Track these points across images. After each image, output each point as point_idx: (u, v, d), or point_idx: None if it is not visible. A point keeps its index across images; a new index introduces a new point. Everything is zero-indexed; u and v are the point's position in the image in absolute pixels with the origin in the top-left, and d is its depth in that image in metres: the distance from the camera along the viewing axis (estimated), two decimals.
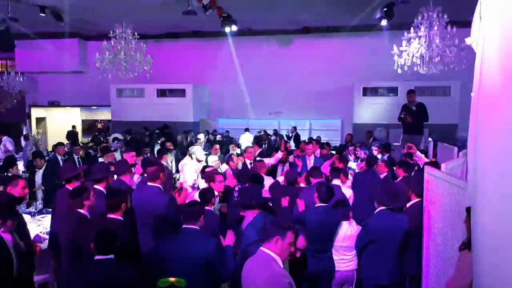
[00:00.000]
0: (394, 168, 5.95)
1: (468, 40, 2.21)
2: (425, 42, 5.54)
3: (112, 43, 6.66)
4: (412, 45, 5.77)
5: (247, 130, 13.62)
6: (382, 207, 3.82)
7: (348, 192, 5.15)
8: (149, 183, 4.08)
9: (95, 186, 4.21)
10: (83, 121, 18.73)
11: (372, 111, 12.92)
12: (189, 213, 3.21)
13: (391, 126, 11.89)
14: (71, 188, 4.39)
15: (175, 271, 2.86)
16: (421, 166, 6.05)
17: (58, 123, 17.71)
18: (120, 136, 11.83)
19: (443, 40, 5.49)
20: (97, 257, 2.76)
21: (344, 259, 3.88)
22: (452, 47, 5.44)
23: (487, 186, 1.98)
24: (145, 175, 4.65)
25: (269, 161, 6.97)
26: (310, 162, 7.17)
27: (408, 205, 4.15)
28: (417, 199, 4.08)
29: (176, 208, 3.89)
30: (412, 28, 5.78)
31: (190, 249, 3.03)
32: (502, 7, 1.99)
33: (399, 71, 5.98)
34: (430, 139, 7.23)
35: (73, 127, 16.37)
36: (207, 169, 5.34)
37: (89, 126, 18.78)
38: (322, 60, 14.22)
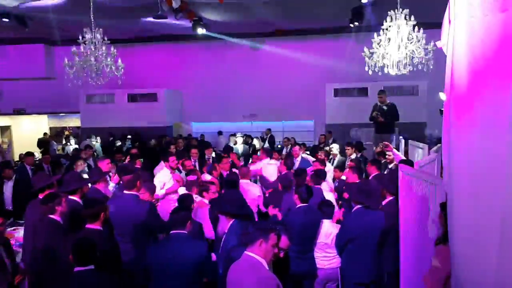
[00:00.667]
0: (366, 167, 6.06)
1: (438, 43, 2.30)
2: (394, 43, 5.71)
3: (82, 49, 6.48)
4: (381, 47, 5.93)
5: (233, 135, 13.08)
6: (359, 206, 3.91)
7: (329, 195, 5.17)
8: (126, 192, 4.01)
9: (70, 197, 4.10)
10: (50, 128, 18.16)
11: (344, 111, 13.15)
12: (177, 220, 3.22)
13: (362, 125, 12.17)
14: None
15: (167, 275, 2.88)
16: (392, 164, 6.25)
17: (25, 131, 17.11)
18: (93, 142, 11.57)
19: (411, 42, 5.68)
20: (77, 269, 2.69)
21: (327, 257, 3.95)
22: (420, 49, 5.63)
23: (462, 183, 2.07)
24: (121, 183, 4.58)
25: (255, 167, 6.94)
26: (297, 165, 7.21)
27: (383, 203, 4.25)
28: (391, 197, 4.19)
29: (156, 215, 3.85)
30: (381, 30, 5.94)
31: (183, 253, 3.06)
32: (468, 13, 2.09)
33: (370, 72, 6.14)
34: (401, 137, 7.45)
35: (45, 134, 15.83)
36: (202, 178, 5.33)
37: (57, 134, 18.22)
38: (294, 62, 14.37)
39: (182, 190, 4.94)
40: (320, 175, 5.34)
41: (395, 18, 5.76)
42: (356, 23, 11.27)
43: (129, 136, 12.98)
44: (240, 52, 14.88)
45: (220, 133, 13.89)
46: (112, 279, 2.76)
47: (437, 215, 3.04)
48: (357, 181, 4.90)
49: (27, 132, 16.83)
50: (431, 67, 5.66)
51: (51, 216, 3.51)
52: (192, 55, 15.18)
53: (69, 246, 3.02)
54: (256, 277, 2.42)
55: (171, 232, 3.21)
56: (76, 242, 2.76)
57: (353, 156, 7.79)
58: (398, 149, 6.99)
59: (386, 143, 6.45)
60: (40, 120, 17.65)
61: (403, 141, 6.77)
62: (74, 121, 17.37)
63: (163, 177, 5.59)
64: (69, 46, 14.16)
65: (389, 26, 5.80)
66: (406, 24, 5.69)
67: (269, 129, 13.40)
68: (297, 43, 14.42)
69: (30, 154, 7.78)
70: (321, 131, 13.66)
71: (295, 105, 14.38)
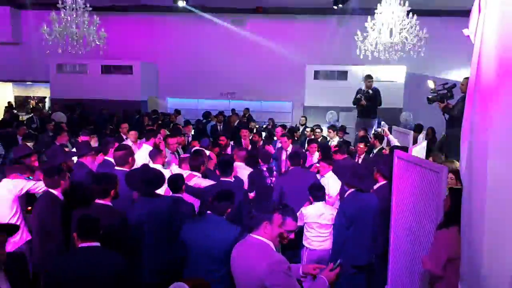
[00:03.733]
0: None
1: (466, 31, 2.28)
2: (387, 29, 5.70)
3: (62, 15, 6.08)
4: (374, 32, 5.92)
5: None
6: (352, 189, 3.94)
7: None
8: (117, 168, 3.86)
9: None
10: (15, 97, 17.23)
11: (322, 94, 13.19)
12: (217, 208, 3.16)
13: (341, 109, 12.28)
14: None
15: (199, 253, 3.03)
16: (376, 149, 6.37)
17: None
18: (62, 117, 11.04)
19: (405, 28, 5.69)
20: (81, 245, 2.57)
21: (320, 236, 3.99)
22: (413, 35, 5.66)
23: (483, 174, 2.08)
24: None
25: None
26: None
27: (375, 186, 4.31)
28: (384, 181, 4.25)
29: None
30: (375, 14, 5.91)
31: (213, 235, 3.05)
32: (501, 2, 2.07)
33: (361, 56, 6.13)
34: (383, 123, 7.57)
35: (9, 103, 14.98)
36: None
37: (20, 104, 17.30)
38: (275, 41, 14.21)
39: (175, 169, 4.80)
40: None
41: (389, 3, 5.74)
42: (340, 5, 11.22)
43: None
44: (220, 28, 14.53)
45: (178, 112, 13.03)
46: (119, 257, 2.65)
47: (440, 199, 3.08)
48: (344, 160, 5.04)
49: None
50: (422, 54, 5.71)
51: (52, 190, 3.42)
52: (170, 28, 14.70)
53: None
54: (268, 260, 2.39)
55: (208, 212, 3.20)
56: (80, 217, 2.63)
57: (336, 139, 7.86)
58: (379, 134, 7.09)
59: (384, 128, 6.56)
60: (4, 88, 16.69)
61: (386, 126, 6.87)
62: (42, 91, 16.54)
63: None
64: (38, 10, 13.69)
65: (383, 11, 5.77)
66: (400, 10, 5.69)
67: (247, 109, 13.27)
68: (279, 22, 14.23)
69: None
70: (299, 112, 13.69)
71: (274, 85, 14.29)
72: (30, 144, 6.26)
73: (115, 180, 3.32)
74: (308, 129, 9.15)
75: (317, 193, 4.20)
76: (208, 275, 2.92)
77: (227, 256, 2.74)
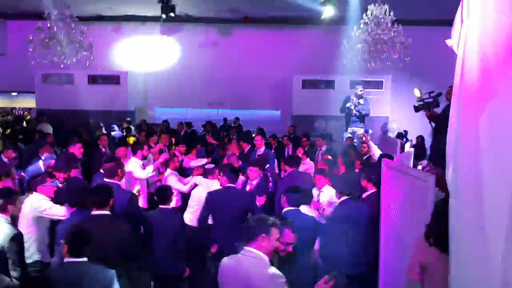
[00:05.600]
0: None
1: (448, 42, 2.32)
2: (372, 38, 5.78)
3: (49, 25, 6.03)
4: (360, 41, 6.00)
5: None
6: (344, 197, 3.95)
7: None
8: (106, 180, 3.81)
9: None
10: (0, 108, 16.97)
11: (311, 103, 13.27)
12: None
13: (329, 118, 12.36)
14: None
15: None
16: (374, 157, 6.39)
17: None
18: (48, 128, 10.87)
19: (389, 37, 5.77)
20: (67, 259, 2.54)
21: None
22: (398, 44, 5.74)
23: (468, 182, 2.11)
24: None
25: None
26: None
27: (364, 195, 4.32)
28: (374, 190, 4.27)
29: (137, 206, 3.71)
30: (361, 24, 5.99)
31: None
32: (482, 13, 2.12)
33: (348, 65, 6.20)
34: (370, 131, 7.64)
35: None
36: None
37: (3, 115, 17.02)
38: (262, 51, 14.30)
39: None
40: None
41: (375, 13, 5.82)
42: (327, 16, 11.32)
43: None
44: (207, 38, 14.57)
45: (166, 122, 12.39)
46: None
47: (428, 208, 3.10)
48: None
49: None
50: (407, 63, 5.79)
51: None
52: (157, 38, 14.67)
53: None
54: (264, 275, 2.36)
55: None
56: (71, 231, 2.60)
57: (324, 148, 7.90)
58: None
59: (365, 134, 6.57)
60: None
61: (373, 135, 6.93)
62: (27, 102, 16.33)
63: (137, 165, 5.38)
64: (24, 21, 13.57)
65: (369, 21, 5.85)
66: (385, 19, 5.77)
67: (238, 118, 13.29)
68: (266, 32, 14.34)
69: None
70: (287, 121, 13.73)
71: (263, 94, 14.35)
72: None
73: (112, 190, 3.34)
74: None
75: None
76: None
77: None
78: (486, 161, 2.03)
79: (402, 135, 8.94)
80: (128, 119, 12.08)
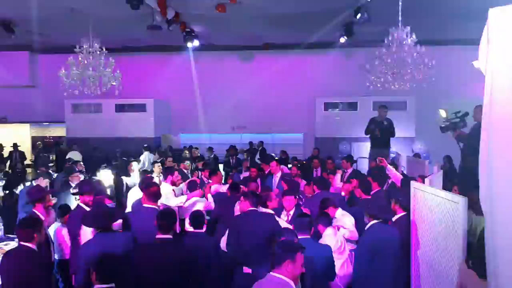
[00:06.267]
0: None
1: (476, 63, 2.32)
2: (395, 60, 5.79)
3: (80, 58, 6.34)
4: (383, 63, 6.02)
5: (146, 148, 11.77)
6: (374, 221, 3.88)
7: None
8: (146, 205, 3.92)
9: None
10: (32, 137, 17.63)
11: (333, 125, 13.26)
12: None
13: (352, 140, 12.29)
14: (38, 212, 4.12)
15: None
16: (392, 179, 6.26)
17: (5, 140, 16.52)
18: (78, 156, 11.23)
19: (412, 58, 5.77)
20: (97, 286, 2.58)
21: None
22: (421, 65, 5.73)
23: (504, 200, 2.08)
24: None
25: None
26: (276, 181, 7.13)
27: (394, 218, 4.24)
28: (403, 213, 4.18)
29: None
30: (383, 46, 6.03)
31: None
32: (508, 33, 2.13)
33: (371, 87, 6.20)
34: (396, 152, 7.53)
35: (14, 144, 14.85)
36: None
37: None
38: (283, 75, 14.49)
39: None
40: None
41: (397, 35, 5.85)
42: (346, 38, 11.43)
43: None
44: (229, 64, 14.89)
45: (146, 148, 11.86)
46: None
47: (460, 230, 3.03)
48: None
49: (8, 141, 16.24)
50: (432, 84, 5.76)
51: (25, 243, 3.24)
52: (181, 66, 15.09)
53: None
54: None
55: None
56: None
57: (350, 170, 7.81)
58: (395, 165, 7.01)
59: (381, 158, 6.45)
60: (22, 129, 17.12)
61: (403, 156, 6.82)
62: (58, 131, 16.93)
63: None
64: (54, 54, 14.22)
65: (391, 43, 5.88)
66: (408, 41, 5.79)
67: (262, 142, 13.37)
68: (287, 56, 14.53)
69: None
70: (310, 144, 13.72)
71: (285, 117, 14.45)
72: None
73: (175, 216, 3.55)
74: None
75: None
76: None
77: None
78: None
79: (419, 156, 8.75)
80: (146, 145, 12.15)
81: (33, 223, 3.35)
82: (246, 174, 8.12)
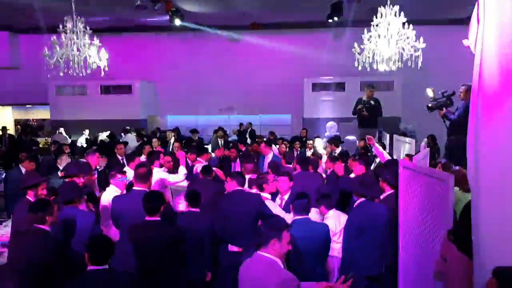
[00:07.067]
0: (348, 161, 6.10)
1: (465, 42, 2.33)
2: (384, 40, 5.79)
3: (63, 38, 6.16)
4: (371, 43, 6.00)
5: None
6: (362, 199, 3.95)
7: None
8: (136, 188, 3.91)
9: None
10: (15, 120, 17.29)
11: (321, 106, 13.30)
12: None
13: (340, 120, 12.35)
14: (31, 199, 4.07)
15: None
16: (379, 158, 6.34)
17: None
18: (64, 139, 11.06)
19: (401, 39, 5.78)
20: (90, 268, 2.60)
21: None
22: (410, 46, 5.74)
23: (489, 180, 2.13)
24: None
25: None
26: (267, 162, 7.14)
27: (382, 196, 4.31)
28: (391, 191, 4.26)
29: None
30: (372, 26, 6.00)
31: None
32: (499, 13, 2.13)
33: (360, 68, 6.21)
34: (384, 132, 7.60)
35: (3, 128, 14.77)
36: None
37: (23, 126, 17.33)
38: (271, 56, 14.37)
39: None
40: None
41: (385, 15, 5.83)
42: (335, 18, 11.35)
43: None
44: (216, 45, 14.69)
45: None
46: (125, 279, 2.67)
47: (448, 208, 3.10)
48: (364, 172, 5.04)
49: None
50: (420, 64, 5.79)
51: (40, 226, 3.24)
52: (167, 47, 14.85)
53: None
54: (278, 279, 2.37)
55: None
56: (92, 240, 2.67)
57: (338, 150, 7.87)
58: (382, 143, 7.10)
59: (369, 136, 6.51)
60: (4, 112, 16.77)
61: (387, 136, 6.89)
62: (41, 113, 16.62)
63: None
64: (35, 35, 13.81)
65: (379, 23, 5.86)
66: (396, 21, 5.78)
67: (250, 123, 13.35)
68: (275, 36, 14.40)
69: None
70: (298, 125, 13.76)
71: (273, 99, 14.40)
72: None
73: (164, 197, 3.56)
74: (309, 142, 9.18)
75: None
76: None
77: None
78: (507, 159, 2.05)
79: (406, 134, 8.86)
80: (127, 127, 12.11)
81: (44, 206, 3.33)
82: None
